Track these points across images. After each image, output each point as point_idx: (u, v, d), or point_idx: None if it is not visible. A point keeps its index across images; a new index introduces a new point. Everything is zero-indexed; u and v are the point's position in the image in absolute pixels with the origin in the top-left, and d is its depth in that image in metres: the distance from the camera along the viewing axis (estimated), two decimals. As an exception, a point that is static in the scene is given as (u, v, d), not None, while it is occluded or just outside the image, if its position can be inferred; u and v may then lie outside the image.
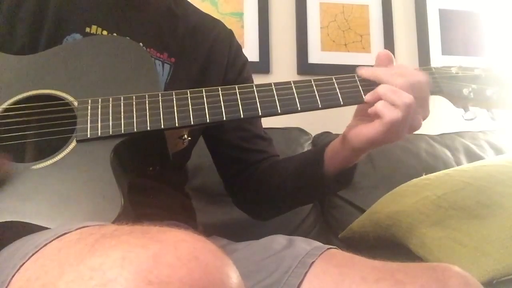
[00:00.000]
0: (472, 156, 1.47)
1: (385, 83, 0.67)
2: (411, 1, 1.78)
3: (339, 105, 0.68)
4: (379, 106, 0.65)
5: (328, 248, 0.66)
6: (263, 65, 1.60)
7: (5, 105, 0.63)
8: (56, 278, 0.36)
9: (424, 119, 0.69)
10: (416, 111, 0.65)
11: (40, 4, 0.75)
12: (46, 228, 0.51)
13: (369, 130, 0.66)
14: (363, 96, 0.68)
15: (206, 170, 1.17)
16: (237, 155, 0.90)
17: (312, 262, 0.62)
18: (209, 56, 0.87)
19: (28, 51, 0.72)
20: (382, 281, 0.57)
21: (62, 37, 0.74)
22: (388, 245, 1.15)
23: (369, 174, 1.38)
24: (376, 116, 0.66)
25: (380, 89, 0.66)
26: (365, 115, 0.70)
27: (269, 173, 0.86)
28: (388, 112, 0.64)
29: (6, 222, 0.53)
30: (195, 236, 0.38)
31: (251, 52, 1.59)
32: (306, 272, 0.61)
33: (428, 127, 1.55)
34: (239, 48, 0.94)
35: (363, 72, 0.70)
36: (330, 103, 0.68)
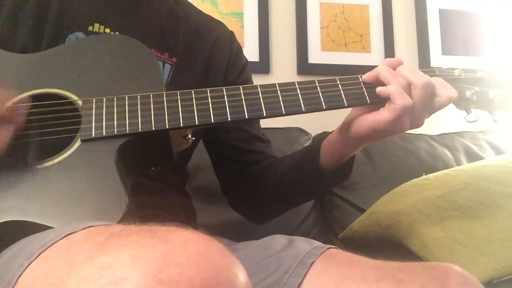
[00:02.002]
0: (472, 156, 1.47)
1: (385, 80, 0.67)
2: (411, 1, 1.79)
3: (343, 107, 0.68)
4: (392, 89, 0.65)
5: (328, 248, 0.66)
6: (263, 65, 1.60)
7: (9, 105, 0.62)
8: (64, 277, 0.36)
9: (428, 116, 0.69)
10: (424, 107, 0.66)
11: (42, 2, 0.75)
12: (51, 227, 0.52)
13: (376, 117, 0.66)
14: (367, 97, 0.68)
15: (206, 170, 1.17)
16: (235, 156, 0.90)
17: (312, 262, 0.62)
18: (210, 57, 0.87)
19: (31, 50, 0.71)
20: (382, 281, 0.57)
21: (64, 36, 0.74)
22: (388, 245, 1.15)
23: (369, 174, 1.38)
24: (382, 104, 0.66)
25: (379, 68, 0.67)
26: (366, 106, 0.70)
27: (265, 173, 0.86)
28: (400, 98, 0.64)
29: (11, 221, 0.53)
30: (203, 236, 0.38)
31: (251, 52, 1.59)
32: (307, 272, 0.61)
33: (428, 127, 1.55)
34: (239, 49, 0.94)
35: (365, 78, 0.70)
36: (334, 104, 0.68)
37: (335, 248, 0.67)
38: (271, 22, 1.66)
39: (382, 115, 0.66)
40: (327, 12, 1.70)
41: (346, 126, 0.71)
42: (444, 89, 0.68)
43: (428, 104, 0.67)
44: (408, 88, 0.66)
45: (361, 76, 0.70)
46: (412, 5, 1.78)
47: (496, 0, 1.83)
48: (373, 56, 1.69)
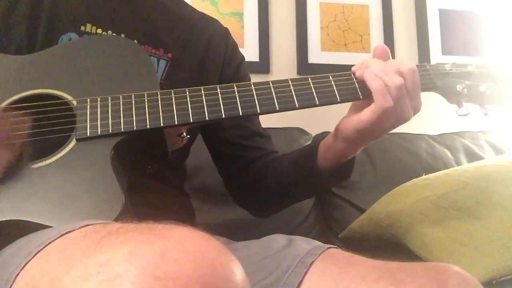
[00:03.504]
0: (472, 156, 1.47)
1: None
2: (411, 1, 1.79)
3: (336, 102, 0.69)
4: (375, 86, 0.66)
5: (328, 248, 0.66)
6: (263, 65, 1.60)
7: (3, 105, 0.63)
8: (62, 274, 0.37)
9: (415, 112, 0.69)
10: (405, 99, 0.66)
11: (34, 4, 0.75)
12: (48, 227, 0.52)
13: (359, 117, 0.67)
14: (360, 92, 0.69)
15: (206, 170, 1.17)
16: (236, 153, 0.90)
17: (312, 262, 0.62)
18: (205, 53, 0.87)
19: (25, 51, 0.72)
20: (382, 281, 0.57)
21: (57, 37, 0.74)
22: (388, 245, 1.15)
23: (369, 174, 1.38)
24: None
25: (369, 61, 0.68)
26: (359, 110, 0.70)
27: (266, 169, 0.87)
28: (381, 99, 0.65)
29: (7, 220, 0.53)
30: (200, 233, 0.38)
31: (251, 52, 1.59)
32: (306, 272, 0.61)
33: (428, 127, 1.56)
34: (235, 46, 0.94)
35: (355, 70, 0.71)
36: (327, 100, 0.69)
37: (335, 248, 0.67)
38: (271, 22, 1.66)
39: (365, 115, 0.67)
40: (327, 12, 1.70)
41: (338, 130, 0.71)
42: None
43: (412, 96, 0.68)
44: (401, 87, 0.66)
45: (353, 73, 0.71)
46: (412, 5, 1.78)
47: (496, 0, 1.83)
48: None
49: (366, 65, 0.70)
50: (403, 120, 0.68)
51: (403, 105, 0.66)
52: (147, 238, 0.36)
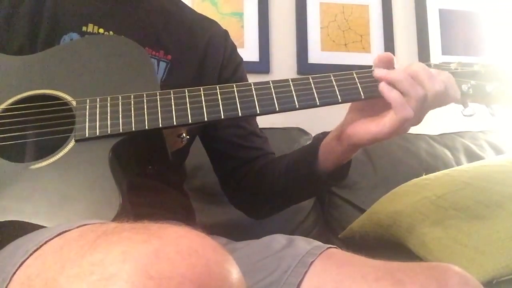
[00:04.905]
0: (472, 156, 1.47)
1: (403, 90, 0.65)
2: (411, 1, 1.79)
3: (337, 102, 0.68)
4: (393, 98, 0.64)
5: (328, 248, 0.66)
6: (263, 65, 1.60)
7: (4, 106, 0.63)
8: (57, 274, 0.36)
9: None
10: (427, 108, 0.66)
11: (36, 4, 0.75)
12: (45, 227, 0.51)
13: (378, 128, 0.66)
14: (361, 93, 0.68)
15: (205, 170, 1.17)
16: (233, 153, 0.90)
17: (312, 261, 0.62)
18: (205, 55, 0.87)
19: (26, 52, 0.72)
20: (382, 280, 0.57)
21: (59, 37, 0.74)
22: (388, 245, 1.15)
23: (369, 174, 1.38)
24: (381, 110, 0.66)
25: (399, 76, 0.65)
26: (363, 109, 0.70)
27: (264, 170, 0.87)
28: (401, 111, 0.64)
29: (5, 221, 0.53)
30: (195, 232, 0.38)
31: (251, 52, 1.59)
32: (306, 272, 0.61)
33: (428, 127, 1.56)
34: (234, 48, 0.95)
35: (377, 74, 0.68)
36: (328, 100, 0.67)
37: (335, 247, 0.67)
38: (271, 22, 1.66)
39: (385, 127, 0.65)
40: (327, 12, 1.70)
41: (346, 135, 0.70)
42: (451, 90, 0.67)
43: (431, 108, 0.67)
44: (424, 99, 0.64)
45: (355, 72, 0.69)
46: (412, 5, 1.78)
47: (496, 0, 1.83)
48: (373, 56, 1.68)
49: (391, 78, 0.66)
50: (415, 125, 0.68)
51: (422, 114, 0.66)
52: (141, 237, 0.36)
